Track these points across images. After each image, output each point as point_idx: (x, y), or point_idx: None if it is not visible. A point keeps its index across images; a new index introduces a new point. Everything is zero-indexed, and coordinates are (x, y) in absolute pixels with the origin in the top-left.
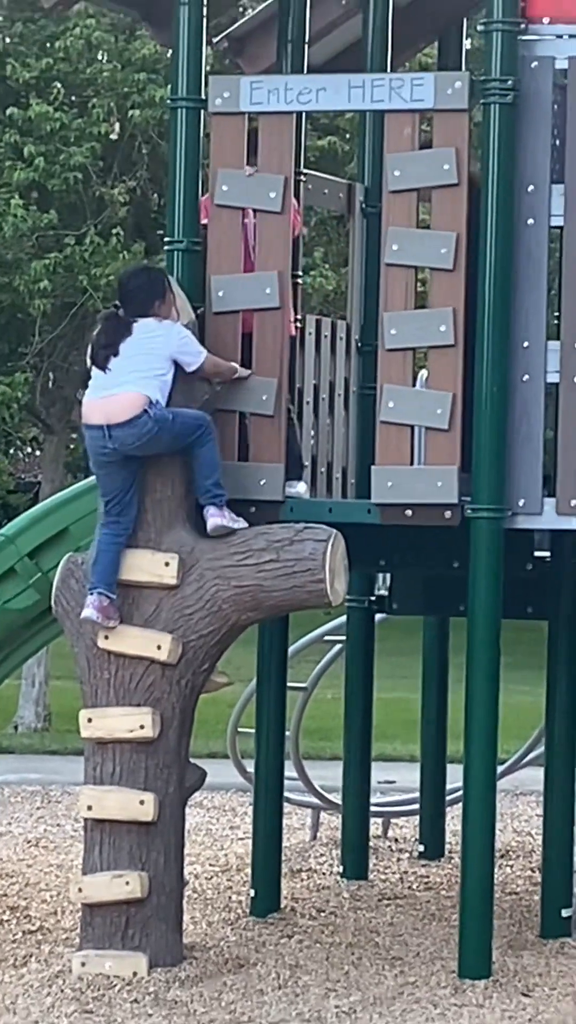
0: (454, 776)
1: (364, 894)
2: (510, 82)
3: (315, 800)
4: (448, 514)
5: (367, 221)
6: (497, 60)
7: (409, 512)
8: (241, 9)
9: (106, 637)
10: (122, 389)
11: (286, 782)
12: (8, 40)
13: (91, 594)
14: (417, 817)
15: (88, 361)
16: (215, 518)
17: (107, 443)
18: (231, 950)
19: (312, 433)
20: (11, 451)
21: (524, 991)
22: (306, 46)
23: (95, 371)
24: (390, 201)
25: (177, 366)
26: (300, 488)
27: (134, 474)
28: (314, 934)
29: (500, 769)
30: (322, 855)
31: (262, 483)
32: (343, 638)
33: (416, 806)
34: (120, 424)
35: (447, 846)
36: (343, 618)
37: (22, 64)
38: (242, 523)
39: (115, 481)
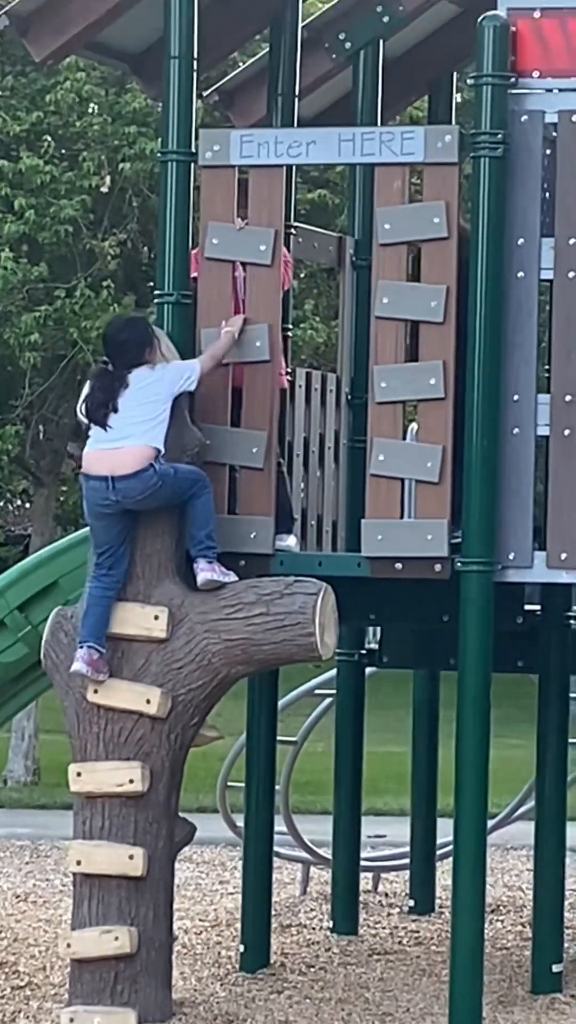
0: (445, 830)
1: (354, 949)
2: (500, 136)
3: (305, 854)
4: (438, 567)
5: (357, 274)
6: (487, 114)
7: (399, 565)
8: (231, 62)
9: (96, 691)
10: (128, 442)
11: (276, 836)
12: None
13: (80, 647)
14: (407, 871)
15: (83, 417)
16: (205, 572)
17: (109, 495)
18: (220, 1006)
19: (302, 486)
20: (1, 504)
21: None
22: (296, 99)
23: (95, 429)
24: (380, 254)
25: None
26: (290, 541)
27: (128, 527)
28: (304, 989)
29: (490, 823)
30: (312, 910)
31: (252, 536)
32: (333, 692)
33: (406, 860)
34: (125, 476)
35: (437, 901)
36: (333, 671)
37: (12, 117)
38: (232, 576)
39: (110, 533)
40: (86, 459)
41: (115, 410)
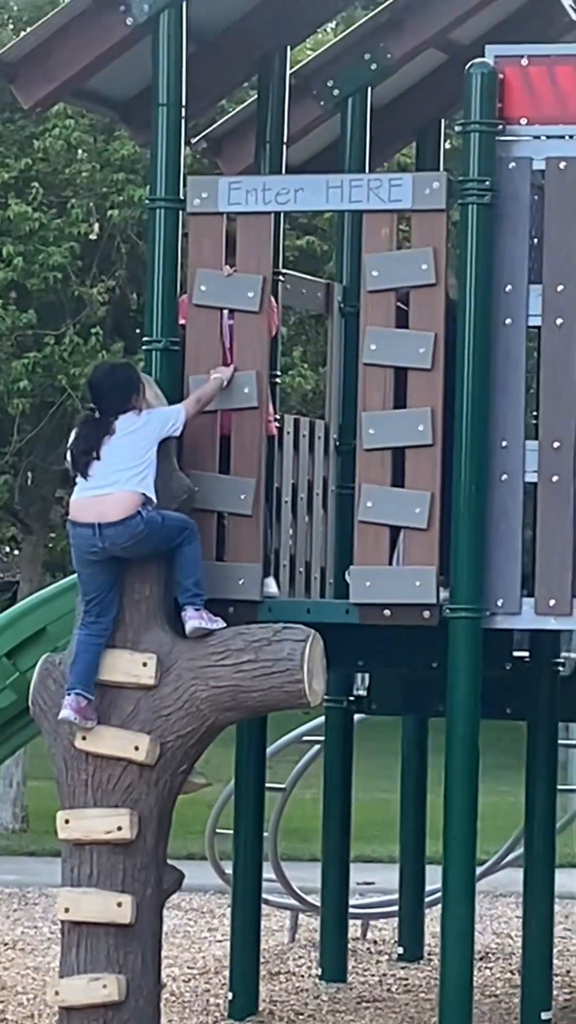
0: (433, 877)
1: (343, 997)
2: (488, 182)
3: (294, 902)
4: (427, 614)
5: (345, 321)
6: (475, 160)
7: (387, 612)
8: (219, 109)
9: (84, 738)
10: (116, 488)
11: (264, 883)
12: None
13: (68, 694)
14: (396, 919)
15: (69, 467)
16: (193, 620)
17: (96, 541)
18: None
19: (290, 533)
20: None
21: None
22: (284, 146)
23: (79, 480)
24: (368, 301)
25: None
26: (271, 587)
27: (116, 574)
28: None
29: (479, 870)
30: (300, 957)
31: (240, 583)
32: (321, 738)
33: (395, 907)
34: (112, 523)
35: (426, 948)
36: (321, 718)
37: (1, 164)
38: (220, 623)
39: (97, 580)
40: (73, 506)
41: (98, 458)
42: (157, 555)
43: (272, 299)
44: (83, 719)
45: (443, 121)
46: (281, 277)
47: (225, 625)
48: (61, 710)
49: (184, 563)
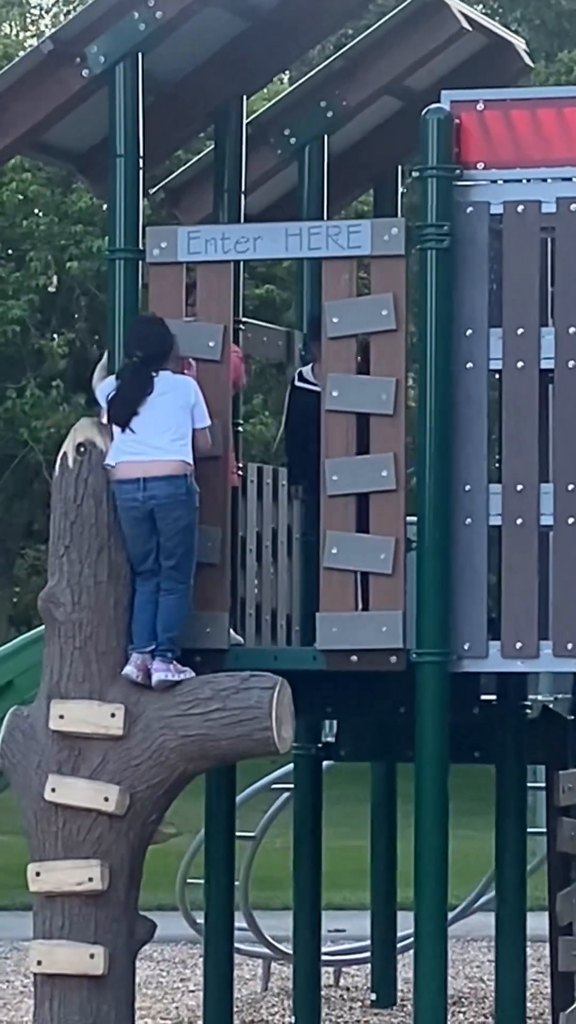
0: (405, 923)
1: None
2: (446, 227)
3: (266, 950)
4: (394, 659)
5: None
6: (433, 206)
7: (354, 658)
8: (176, 160)
9: (53, 789)
10: (163, 455)
11: (236, 932)
12: None
13: (131, 654)
14: (368, 965)
15: (104, 414)
16: (159, 672)
17: (137, 494)
18: None
19: (256, 581)
20: None
21: None
22: (243, 195)
23: (118, 432)
24: (329, 348)
25: None
26: (234, 636)
27: (156, 535)
28: None
29: (450, 915)
30: (274, 1005)
31: (207, 631)
32: (290, 786)
33: (367, 954)
34: (157, 478)
35: (399, 993)
36: (290, 766)
37: None
38: (189, 673)
39: (143, 541)
40: (117, 469)
41: (136, 413)
42: (176, 537)
43: (236, 348)
44: (144, 675)
45: (400, 167)
46: (242, 326)
47: (194, 675)
48: (125, 668)
49: (167, 613)
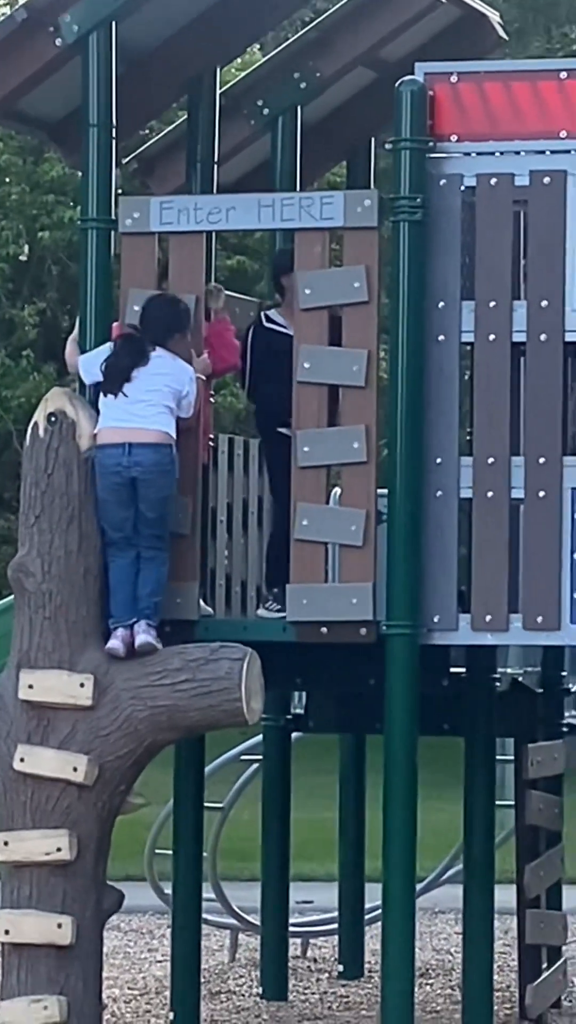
0: (373, 895)
1: (284, 1015)
2: (419, 200)
3: (233, 921)
4: (363, 631)
5: None
6: (406, 178)
7: (324, 630)
8: (150, 131)
9: (22, 759)
10: (147, 424)
11: (204, 903)
12: None
13: (114, 630)
14: (336, 937)
15: (98, 374)
16: (143, 635)
17: (122, 459)
18: None
19: (226, 552)
20: None
21: None
22: (215, 166)
23: (108, 397)
24: (301, 319)
25: None
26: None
27: (136, 504)
28: None
29: (418, 887)
30: (241, 976)
31: (177, 602)
32: (259, 757)
33: (335, 926)
34: (143, 444)
35: (366, 965)
36: (259, 737)
37: None
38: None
39: (122, 508)
40: (102, 434)
41: (129, 380)
42: (158, 507)
43: (230, 327)
44: (128, 650)
45: (373, 139)
46: None
47: (162, 646)
48: (109, 642)
49: (152, 578)
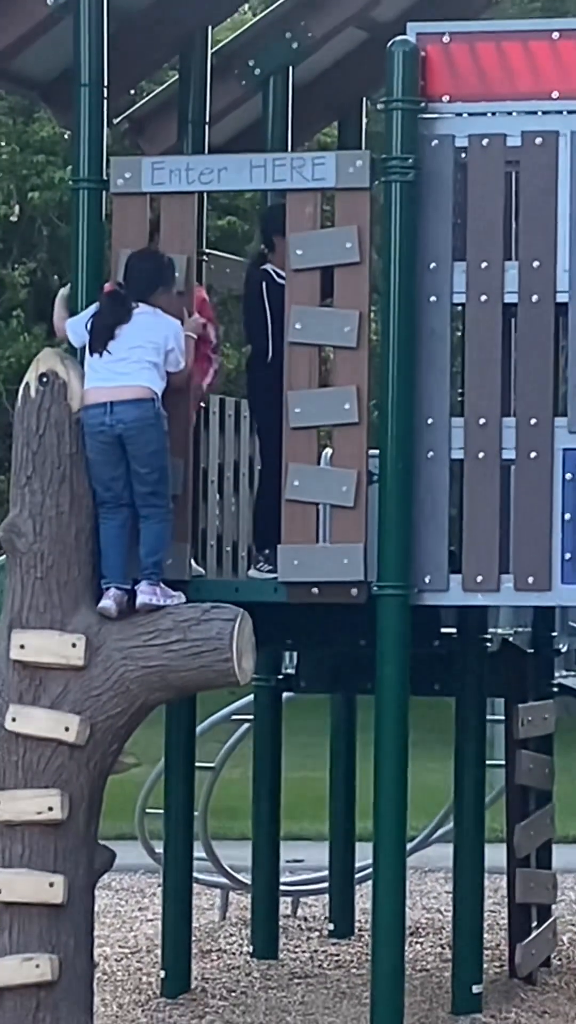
0: (363, 854)
1: (274, 973)
2: (411, 160)
3: (224, 880)
4: (355, 591)
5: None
6: (397, 138)
7: (315, 590)
8: (140, 90)
9: (14, 719)
10: (127, 380)
11: (195, 862)
12: None
13: (108, 589)
14: (326, 895)
15: (84, 333)
16: (144, 595)
17: (105, 418)
18: None
19: (217, 512)
20: None
21: None
22: (207, 126)
23: (93, 357)
24: (292, 279)
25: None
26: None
27: (125, 463)
28: (225, 1014)
29: (409, 846)
30: (232, 935)
31: (168, 563)
32: (250, 717)
33: (325, 884)
34: (124, 401)
35: (357, 924)
36: (250, 697)
37: None
38: (179, 598)
39: (109, 468)
40: (86, 394)
41: (112, 337)
42: (149, 462)
43: (201, 290)
44: (120, 609)
45: (365, 100)
46: (205, 257)
47: (184, 599)
48: (101, 602)
49: (150, 538)
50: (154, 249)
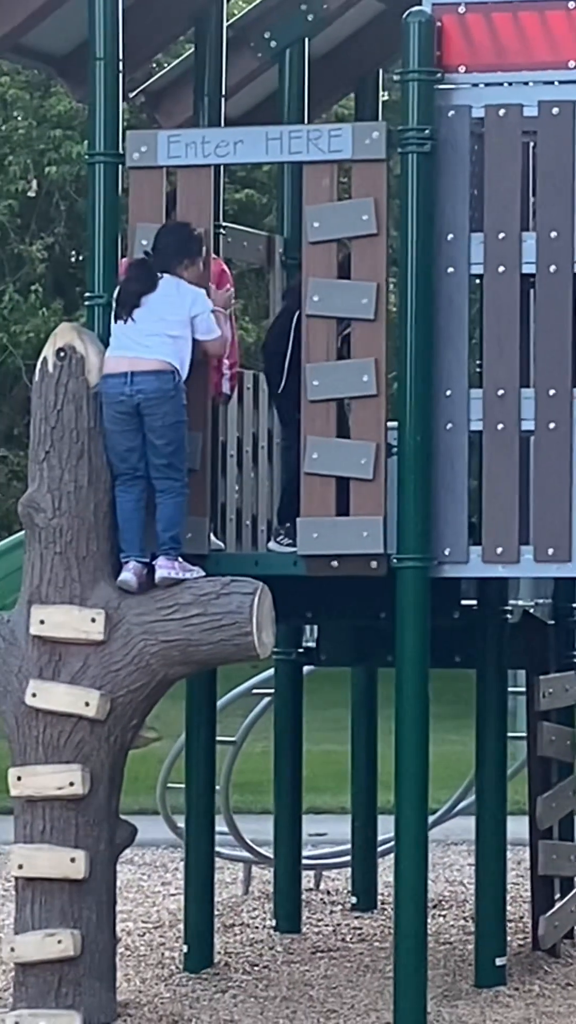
0: (385, 827)
1: (297, 947)
2: (427, 131)
3: (246, 854)
4: (374, 564)
5: (287, 273)
6: (414, 110)
7: (335, 563)
8: (156, 64)
9: (34, 694)
10: (148, 353)
11: (217, 837)
12: None
13: (127, 562)
14: (349, 869)
15: (114, 305)
16: (162, 569)
17: (124, 388)
18: (165, 1006)
19: (236, 486)
20: None
21: None
22: (223, 99)
23: (118, 323)
24: (310, 252)
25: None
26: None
27: (142, 434)
28: (248, 988)
29: (431, 819)
30: (254, 909)
31: (188, 537)
32: (271, 691)
33: (348, 858)
34: (144, 372)
35: (379, 897)
36: (271, 671)
37: None
38: (197, 572)
39: (127, 438)
40: (107, 363)
41: (138, 305)
42: (166, 434)
43: (224, 270)
44: (140, 582)
45: (381, 71)
46: (222, 230)
47: (203, 573)
48: (121, 575)
49: (167, 512)
50: (184, 222)
